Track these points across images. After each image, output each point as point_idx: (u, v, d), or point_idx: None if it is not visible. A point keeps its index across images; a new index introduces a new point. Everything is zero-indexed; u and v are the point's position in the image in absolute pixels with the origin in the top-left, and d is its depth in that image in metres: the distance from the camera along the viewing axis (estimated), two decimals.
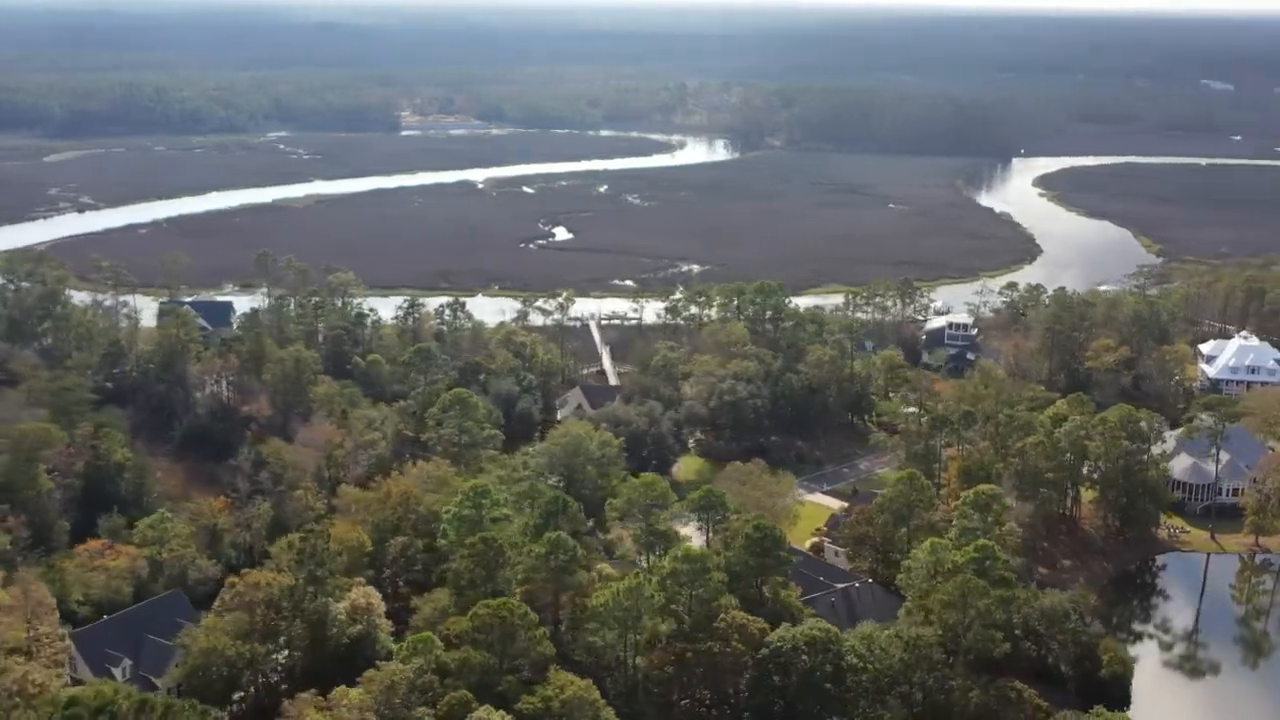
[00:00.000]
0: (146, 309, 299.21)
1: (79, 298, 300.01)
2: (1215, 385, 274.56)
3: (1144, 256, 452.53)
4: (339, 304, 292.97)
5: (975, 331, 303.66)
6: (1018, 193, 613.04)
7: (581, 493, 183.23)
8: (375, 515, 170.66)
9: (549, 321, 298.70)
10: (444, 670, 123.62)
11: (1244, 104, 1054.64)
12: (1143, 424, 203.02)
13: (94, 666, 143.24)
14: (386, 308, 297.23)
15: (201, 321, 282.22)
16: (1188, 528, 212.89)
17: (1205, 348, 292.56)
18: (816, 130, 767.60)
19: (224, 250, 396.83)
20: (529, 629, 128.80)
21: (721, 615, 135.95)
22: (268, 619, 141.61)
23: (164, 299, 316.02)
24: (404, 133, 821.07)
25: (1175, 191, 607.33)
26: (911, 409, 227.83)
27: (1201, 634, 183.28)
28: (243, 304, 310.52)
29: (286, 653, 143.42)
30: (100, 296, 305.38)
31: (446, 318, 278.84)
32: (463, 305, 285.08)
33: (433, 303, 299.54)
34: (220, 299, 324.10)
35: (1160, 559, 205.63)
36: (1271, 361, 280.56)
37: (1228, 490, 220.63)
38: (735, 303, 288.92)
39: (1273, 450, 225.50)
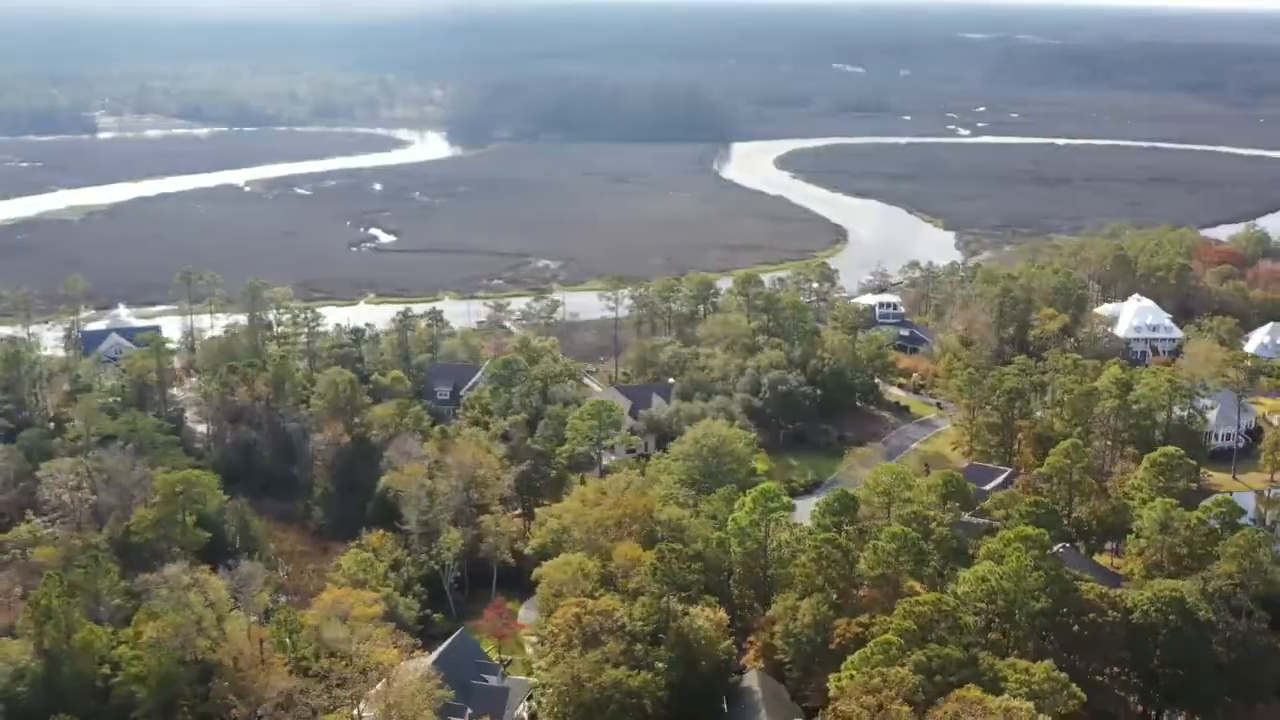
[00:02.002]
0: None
1: None
2: (1127, 344, 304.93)
3: (937, 233, 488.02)
4: (284, 318, 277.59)
5: (903, 310, 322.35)
6: (771, 176, 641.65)
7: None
8: (605, 529, 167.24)
9: (525, 324, 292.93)
10: (929, 668, 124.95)
11: (895, 87, 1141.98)
12: (1184, 384, 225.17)
13: None
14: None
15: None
16: (1209, 472, 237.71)
17: (1103, 310, 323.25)
18: (544, 121, 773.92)
19: (32, 271, 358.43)
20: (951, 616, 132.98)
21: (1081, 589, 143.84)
22: (630, 646, 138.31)
23: (65, 327, 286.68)
24: (102, 135, 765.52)
25: (904, 169, 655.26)
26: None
27: None
28: (170, 327, 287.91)
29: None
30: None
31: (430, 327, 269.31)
32: (440, 314, 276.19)
33: (339, 314, 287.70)
34: (141, 323, 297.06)
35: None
36: (1167, 320, 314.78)
37: (1220, 436, 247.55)
38: (715, 295, 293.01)
39: (1259, 403, 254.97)
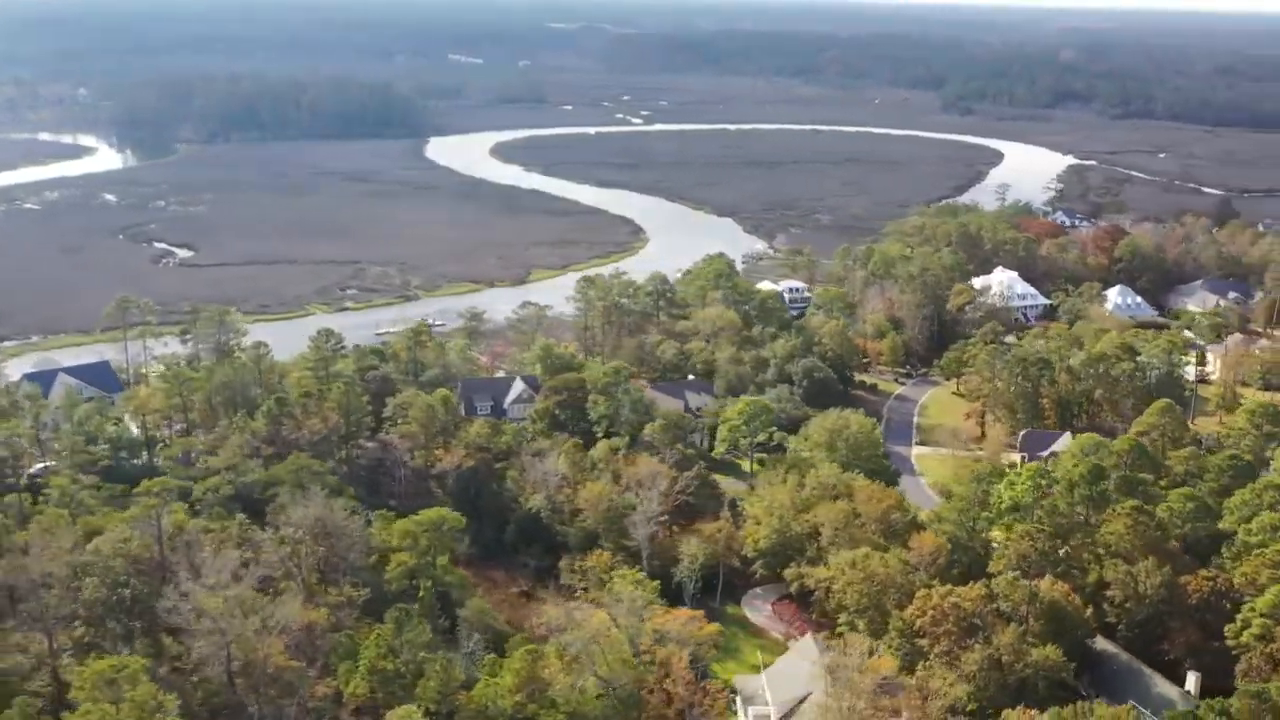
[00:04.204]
0: None
1: None
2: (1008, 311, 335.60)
3: (715, 220, 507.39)
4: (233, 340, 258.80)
5: (809, 294, 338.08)
6: (505, 170, 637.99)
7: None
8: (863, 523, 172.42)
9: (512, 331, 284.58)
10: None
11: (528, 77, 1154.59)
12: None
13: None
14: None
15: (90, 390, 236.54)
16: None
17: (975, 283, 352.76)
18: (231, 121, 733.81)
19: None
20: None
21: None
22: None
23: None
24: None
25: (623, 158, 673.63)
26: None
27: None
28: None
29: None
30: None
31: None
32: (429, 326, 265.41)
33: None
34: (68, 360, 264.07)
35: None
36: (1031, 289, 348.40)
37: None
38: (670, 291, 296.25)
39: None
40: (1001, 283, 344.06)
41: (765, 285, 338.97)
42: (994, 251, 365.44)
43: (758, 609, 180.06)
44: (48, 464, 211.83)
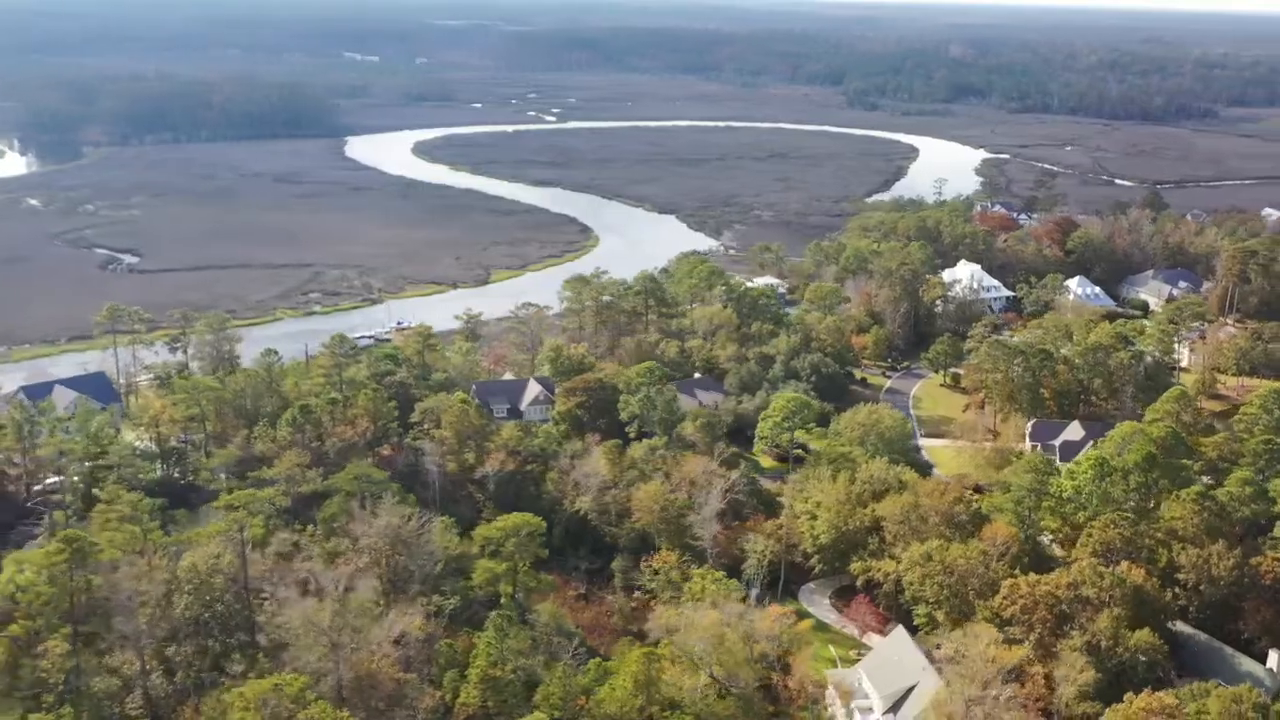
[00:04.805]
0: None
1: None
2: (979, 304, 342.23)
3: (659, 217, 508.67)
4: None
5: (784, 291, 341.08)
6: (434, 170, 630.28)
7: None
8: (924, 516, 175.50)
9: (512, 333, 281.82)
10: None
11: (430, 75, 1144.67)
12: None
13: None
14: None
15: (93, 403, 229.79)
16: None
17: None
18: (141, 123, 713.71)
19: None
20: None
21: None
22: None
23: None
24: None
25: (549, 156, 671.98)
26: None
27: None
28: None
29: None
30: None
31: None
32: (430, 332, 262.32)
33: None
34: (63, 372, 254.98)
35: None
36: (995, 281, 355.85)
37: None
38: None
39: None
40: (970, 276, 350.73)
41: (761, 282, 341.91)
42: (953, 245, 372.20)
43: (816, 603, 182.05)
44: (61, 478, 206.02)
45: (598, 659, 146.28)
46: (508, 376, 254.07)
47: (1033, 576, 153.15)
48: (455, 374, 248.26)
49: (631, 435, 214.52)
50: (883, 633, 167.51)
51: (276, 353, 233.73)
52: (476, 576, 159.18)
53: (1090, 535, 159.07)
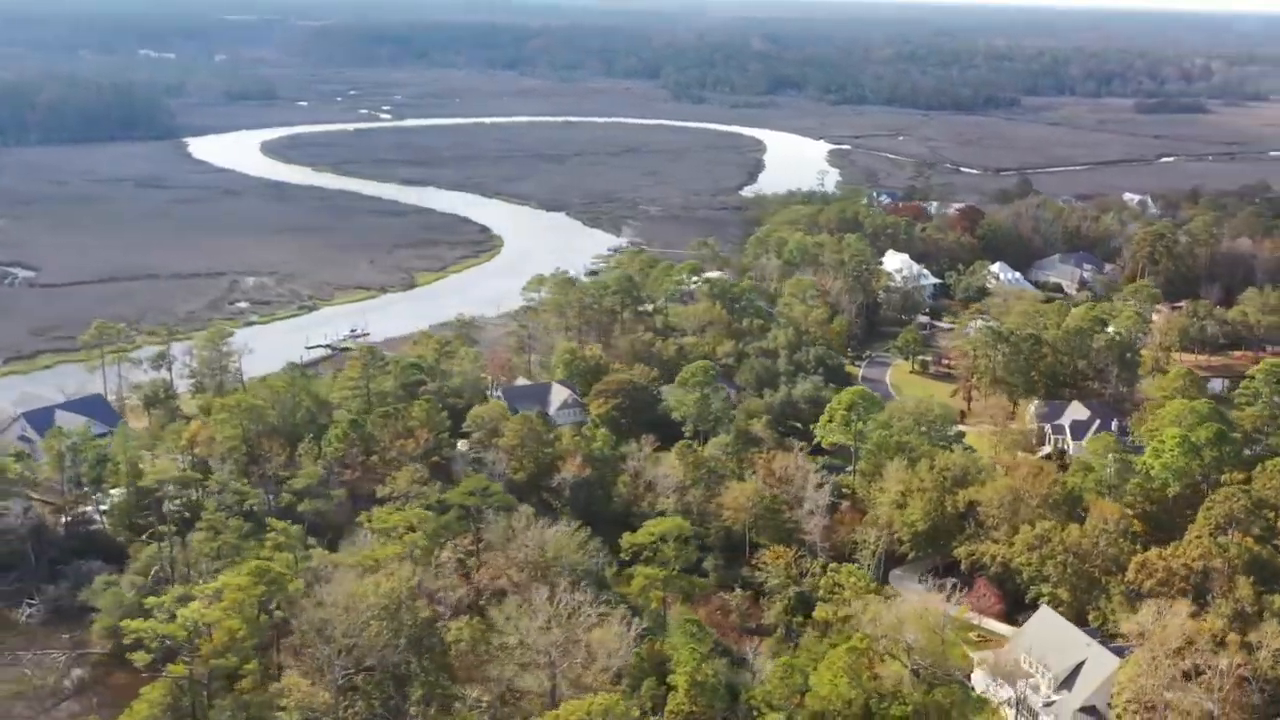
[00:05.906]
0: None
1: None
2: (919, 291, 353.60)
3: (548, 216, 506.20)
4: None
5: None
6: (295, 171, 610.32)
7: None
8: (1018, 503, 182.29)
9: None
10: None
11: (240, 72, 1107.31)
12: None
13: None
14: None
15: (99, 426, 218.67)
16: None
17: None
18: None
19: None
20: None
21: None
22: None
23: None
24: None
25: (405, 154, 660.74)
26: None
27: None
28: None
29: None
30: None
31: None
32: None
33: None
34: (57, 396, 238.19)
35: None
36: (924, 269, 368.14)
37: None
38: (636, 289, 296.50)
39: None
40: (902, 265, 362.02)
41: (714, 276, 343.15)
42: (875, 236, 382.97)
43: (907, 587, 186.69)
44: (100, 505, 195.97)
45: (785, 658, 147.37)
46: (521, 381, 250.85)
47: (1168, 549, 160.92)
48: (463, 381, 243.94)
49: (687, 434, 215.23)
50: (999, 616, 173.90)
51: (303, 366, 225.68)
52: (635, 584, 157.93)
53: (1210, 509, 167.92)
